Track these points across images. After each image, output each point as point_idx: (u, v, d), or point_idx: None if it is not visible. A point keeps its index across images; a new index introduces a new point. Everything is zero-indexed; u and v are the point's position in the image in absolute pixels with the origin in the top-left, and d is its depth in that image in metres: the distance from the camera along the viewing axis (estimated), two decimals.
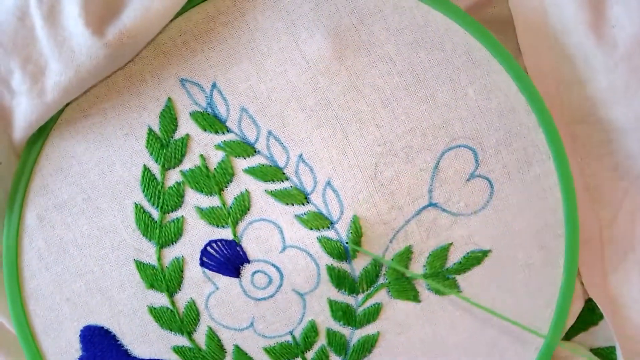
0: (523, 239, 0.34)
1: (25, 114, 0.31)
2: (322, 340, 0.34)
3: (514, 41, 0.36)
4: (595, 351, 0.38)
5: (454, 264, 0.34)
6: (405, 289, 0.34)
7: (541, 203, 0.33)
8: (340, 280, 0.34)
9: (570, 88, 0.35)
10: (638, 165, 0.35)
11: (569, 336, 0.38)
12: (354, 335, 0.34)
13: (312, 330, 0.34)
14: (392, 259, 0.33)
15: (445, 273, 0.34)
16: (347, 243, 0.33)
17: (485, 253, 0.34)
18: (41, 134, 0.33)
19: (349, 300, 0.34)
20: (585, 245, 0.35)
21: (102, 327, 0.34)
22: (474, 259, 0.34)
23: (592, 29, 0.33)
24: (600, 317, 0.37)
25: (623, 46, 0.33)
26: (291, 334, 0.34)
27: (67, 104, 0.33)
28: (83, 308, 0.34)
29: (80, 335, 0.34)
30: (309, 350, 0.34)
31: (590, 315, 0.37)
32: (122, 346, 0.34)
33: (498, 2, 0.36)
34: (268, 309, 0.34)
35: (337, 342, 0.34)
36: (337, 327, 0.34)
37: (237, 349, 0.34)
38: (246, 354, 0.34)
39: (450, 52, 0.32)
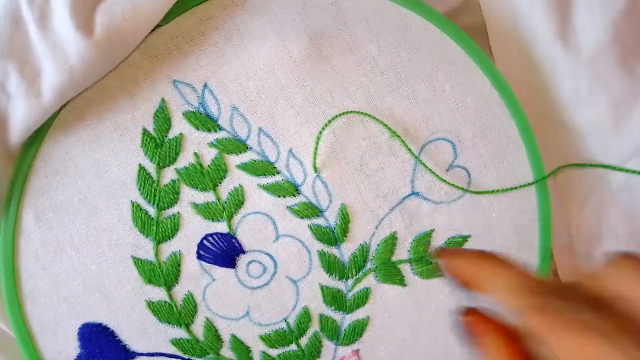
0: (500, 225, 0.36)
1: (22, 116, 0.32)
2: (315, 326, 0.36)
3: (487, 48, 0.37)
4: None
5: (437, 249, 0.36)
6: (391, 273, 0.35)
7: (515, 190, 0.36)
8: (330, 265, 0.35)
9: (539, 92, 0.37)
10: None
11: None
12: (345, 320, 0.36)
13: (305, 317, 0.36)
14: (378, 245, 0.35)
15: (428, 258, 0.36)
16: (334, 229, 0.35)
17: (465, 238, 0.36)
18: (37, 137, 0.34)
19: (340, 285, 0.36)
20: (556, 237, 0.37)
21: (101, 324, 0.35)
22: (455, 244, 0.36)
23: (559, 36, 0.35)
24: None
25: (587, 52, 0.35)
26: (285, 321, 0.36)
27: (62, 107, 0.34)
28: (81, 306, 0.35)
29: (78, 333, 0.35)
30: (303, 336, 0.36)
31: None
32: (121, 342, 0.35)
33: (471, 11, 0.38)
34: (263, 298, 0.35)
35: (329, 327, 0.36)
36: (329, 312, 0.36)
37: (234, 338, 0.36)
38: (242, 342, 0.36)
39: (429, 52, 0.35)
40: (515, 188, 0.35)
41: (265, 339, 0.36)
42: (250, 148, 0.35)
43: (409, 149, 0.34)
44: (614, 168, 0.37)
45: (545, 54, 0.36)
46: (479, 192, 0.35)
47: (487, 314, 0.24)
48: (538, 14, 0.35)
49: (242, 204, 0.35)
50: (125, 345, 0.35)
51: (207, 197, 0.35)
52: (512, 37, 0.37)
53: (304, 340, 0.36)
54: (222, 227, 0.35)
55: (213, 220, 0.35)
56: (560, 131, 0.38)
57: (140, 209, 0.35)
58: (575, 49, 0.36)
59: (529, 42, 0.36)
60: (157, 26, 0.34)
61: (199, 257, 0.35)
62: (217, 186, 0.35)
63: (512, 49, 0.37)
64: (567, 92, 0.36)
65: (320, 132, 0.34)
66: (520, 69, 0.37)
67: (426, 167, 0.34)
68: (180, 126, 0.34)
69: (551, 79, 0.37)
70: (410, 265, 0.36)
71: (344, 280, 0.36)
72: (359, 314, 0.36)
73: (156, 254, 0.35)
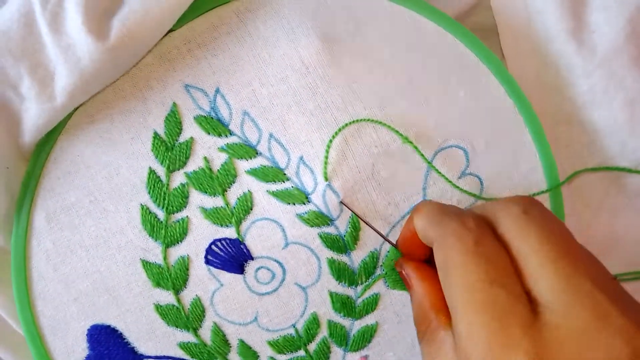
0: None
1: (34, 118, 0.32)
2: (323, 332, 0.36)
3: (497, 48, 0.37)
4: None
5: None
6: (401, 279, 0.35)
7: None
8: (340, 272, 0.35)
9: (552, 92, 0.36)
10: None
11: None
12: (354, 326, 0.36)
13: (314, 323, 0.35)
14: (388, 252, 0.35)
15: None
16: (345, 237, 0.35)
17: None
18: (49, 138, 0.34)
19: (349, 292, 0.35)
20: None
21: (109, 326, 0.35)
22: None
23: (573, 35, 0.35)
24: None
25: (602, 51, 0.35)
26: (294, 327, 0.36)
27: (75, 110, 0.34)
28: (90, 307, 0.35)
29: (87, 334, 0.35)
30: (311, 342, 0.36)
31: None
32: (129, 344, 0.35)
33: (481, 11, 0.38)
34: (271, 303, 0.35)
35: (338, 333, 0.36)
36: (337, 318, 0.36)
37: (242, 343, 0.36)
38: (250, 347, 0.36)
39: (442, 58, 0.34)
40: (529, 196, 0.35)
41: (274, 344, 0.36)
42: (261, 154, 0.35)
43: (423, 156, 0.34)
44: (630, 170, 0.36)
45: (559, 53, 0.36)
46: (491, 200, 0.35)
47: (418, 262, 0.30)
48: (552, 13, 0.35)
49: (251, 209, 0.35)
50: (133, 347, 0.35)
51: (216, 201, 0.35)
52: (525, 36, 0.36)
53: (312, 346, 0.36)
54: (230, 232, 0.35)
55: (221, 226, 0.35)
56: (574, 132, 0.37)
57: (150, 212, 0.35)
58: (590, 48, 0.35)
59: (542, 42, 0.36)
60: (170, 30, 0.34)
61: (207, 262, 0.35)
62: (226, 191, 0.35)
63: (525, 49, 0.37)
64: (581, 92, 0.36)
65: (331, 140, 0.34)
66: (533, 68, 0.37)
67: (440, 173, 0.34)
68: (191, 130, 0.34)
69: (565, 79, 0.36)
70: None
71: (353, 286, 0.35)
72: (368, 320, 0.36)
73: (165, 258, 0.35)
